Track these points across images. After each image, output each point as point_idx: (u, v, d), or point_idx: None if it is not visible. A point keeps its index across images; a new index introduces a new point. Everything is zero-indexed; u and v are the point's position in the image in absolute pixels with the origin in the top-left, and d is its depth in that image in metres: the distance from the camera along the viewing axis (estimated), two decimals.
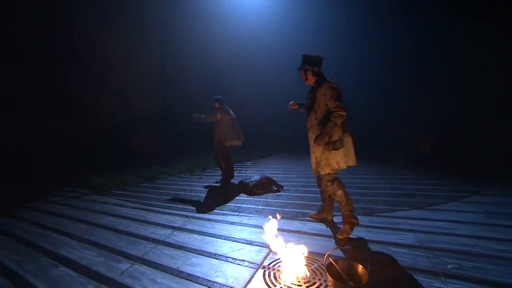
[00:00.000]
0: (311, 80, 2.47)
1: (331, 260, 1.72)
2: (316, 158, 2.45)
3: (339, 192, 2.40)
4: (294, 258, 1.89)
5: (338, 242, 2.31)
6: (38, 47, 7.75)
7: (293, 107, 2.79)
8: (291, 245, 1.90)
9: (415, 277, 1.76)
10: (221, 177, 4.92)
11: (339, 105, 2.24)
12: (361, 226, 2.64)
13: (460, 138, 8.35)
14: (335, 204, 2.73)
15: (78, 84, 8.83)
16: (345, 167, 2.37)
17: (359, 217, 2.86)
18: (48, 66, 8.04)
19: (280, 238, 1.96)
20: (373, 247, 2.21)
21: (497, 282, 1.68)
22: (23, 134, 7.32)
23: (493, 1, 8.12)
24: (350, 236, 2.41)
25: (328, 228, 2.65)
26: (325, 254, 1.73)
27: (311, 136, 2.45)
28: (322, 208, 2.80)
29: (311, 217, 2.87)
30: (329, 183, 2.42)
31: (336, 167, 2.35)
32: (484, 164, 5.81)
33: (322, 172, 2.39)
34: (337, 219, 2.80)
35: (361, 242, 2.30)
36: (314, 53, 2.49)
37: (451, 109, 9.14)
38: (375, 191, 3.88)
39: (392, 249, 2.17)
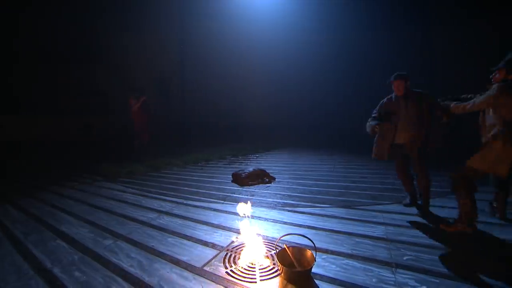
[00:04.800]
0: None
1: (285, 246, 1.84)
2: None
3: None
4: (255, 243, 2.04)
5: (297, 230, 2.40)
6: (69, 50, 8.46)
7: None
8: (255, 231, 2.04)
9: (367, 267, 1.82)
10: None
11: None
12: (335, 217, 2.72)
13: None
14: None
15: (104, 83, 9.48)
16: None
17: (338, 210, 2.94)
18: (78, 68, 8.77)
19: (248, 225, 2.11)
20: (340, 237, 2.27)
21: (442, 273, 1.71)
22: (57, 129, 8.11)
23: None
24: (313, 225, 2.54)
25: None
26: (288, 242, 1.84)
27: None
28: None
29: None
30: None
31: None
32: None
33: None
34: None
35: (328, 232, 2.37)
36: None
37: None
38: (364, 185, 3.87)
39: (357, 240, 2.22)
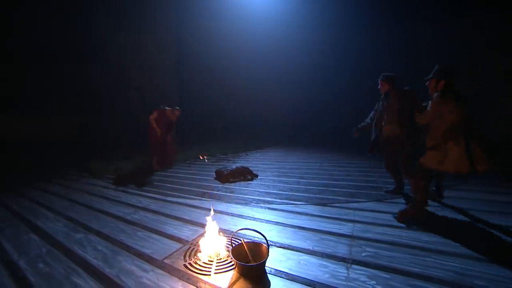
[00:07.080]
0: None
1: (242, 241, 1.87)
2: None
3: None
4: (218, 238, 2.07)
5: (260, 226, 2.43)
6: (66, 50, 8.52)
7: None
8: (222, 226, 2.06)
9: (323, 263, 1.84)
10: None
11: None
12: (306, 214, 2.74)
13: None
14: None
15: (99, 83, 9.54)
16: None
17: (312, 207, 2.96)
18: (73, 67, 8.81)
19: (217, 221, 2.13)
20: (305, 233, 2.29)
21: (396, 269, 1.73)
22: (53, 128, 8.20)
23: None
24: (281, 221, 2.58)
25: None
26: (254, 238, 1.84)
27: None
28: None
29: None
30: None
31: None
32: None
33: None
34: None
35: (294, 228, 2.40)
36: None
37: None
38: (346, 183, 3.88)
39: (322, 236, 2.25)
